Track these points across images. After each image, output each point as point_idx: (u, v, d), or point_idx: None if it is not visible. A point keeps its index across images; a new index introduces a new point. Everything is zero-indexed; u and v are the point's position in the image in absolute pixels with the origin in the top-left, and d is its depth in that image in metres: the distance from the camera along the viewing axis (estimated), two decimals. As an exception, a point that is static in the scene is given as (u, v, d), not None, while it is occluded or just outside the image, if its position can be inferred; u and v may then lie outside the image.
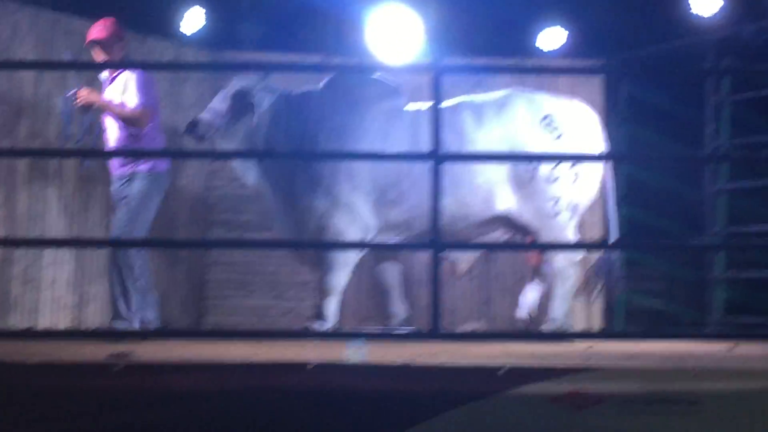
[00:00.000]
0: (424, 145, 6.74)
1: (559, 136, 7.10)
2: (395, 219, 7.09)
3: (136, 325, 6.35)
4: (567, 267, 7.14)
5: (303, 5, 8.48)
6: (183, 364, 4.29)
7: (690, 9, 8.18)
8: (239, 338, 6.09)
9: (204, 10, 8.53)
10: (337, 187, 6.99)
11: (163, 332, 7.18)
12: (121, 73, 6.57)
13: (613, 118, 9.02)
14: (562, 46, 8.74)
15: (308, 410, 3.91)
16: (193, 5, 8.54)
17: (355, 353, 4.18)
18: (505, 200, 7.05)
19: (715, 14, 8.18)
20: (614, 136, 8.96)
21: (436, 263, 4.34)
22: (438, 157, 4.40)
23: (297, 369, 3.97)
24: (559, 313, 7.11)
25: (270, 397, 3.94)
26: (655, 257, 9.47)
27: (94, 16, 7.29)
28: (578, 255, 7.27)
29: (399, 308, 7.36)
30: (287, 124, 7.14)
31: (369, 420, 3.91)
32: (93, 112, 6.56)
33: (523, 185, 7.04)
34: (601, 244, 8.81)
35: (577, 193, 7.12)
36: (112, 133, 6.57)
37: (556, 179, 7.05)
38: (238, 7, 8.86)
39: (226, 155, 7.59)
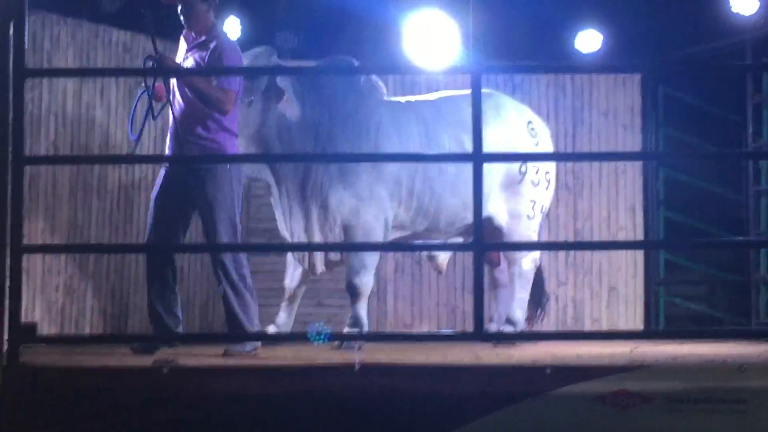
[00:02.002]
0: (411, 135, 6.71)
1: (537, 143, 7.12)
2: (401, 218, 6.80)
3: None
4: (530, 270, 7.13)
5: (338, 13, 8.50)
6: (228, 368, 4.32)
7: (730, 8, 8.12)
8: (283, 342, 6.12)
9: (239, 20, 8.55)
10: (363, 179, 6.61)
11: (207, 337, 7.23)
12: (207, 40, 5.61)
13: (651, 120, 8.96)
14: (601, 48, 8.70)
15: (355, 412, 3.91)
16: (229, 14, 8.56)
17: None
18: (493, 204, 6.94)
19: (754, 13, 8.11)
20: (652, 139, 8.94)
21: (479, 265, 4.30)
22: (479, 158, 4.36)
23: (344, 371, 3.98)
24: (519, 315, 7.05)
25: (316, 399, 3.94)
26: (696, 260, 9.40)
27: (133, 27, 7.36)
28: (539, 259, 7.26)
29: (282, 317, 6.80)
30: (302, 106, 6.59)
31: (416, 421, 3.91)
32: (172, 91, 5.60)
33: (510, 188, 6.99)
34: (641, 243, 8.78)
35: (547, 198, 7.19)
36: (191, 114, 5.58)
37: (537, 183, 7.09)
38: (273, 16, 8.89)
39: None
